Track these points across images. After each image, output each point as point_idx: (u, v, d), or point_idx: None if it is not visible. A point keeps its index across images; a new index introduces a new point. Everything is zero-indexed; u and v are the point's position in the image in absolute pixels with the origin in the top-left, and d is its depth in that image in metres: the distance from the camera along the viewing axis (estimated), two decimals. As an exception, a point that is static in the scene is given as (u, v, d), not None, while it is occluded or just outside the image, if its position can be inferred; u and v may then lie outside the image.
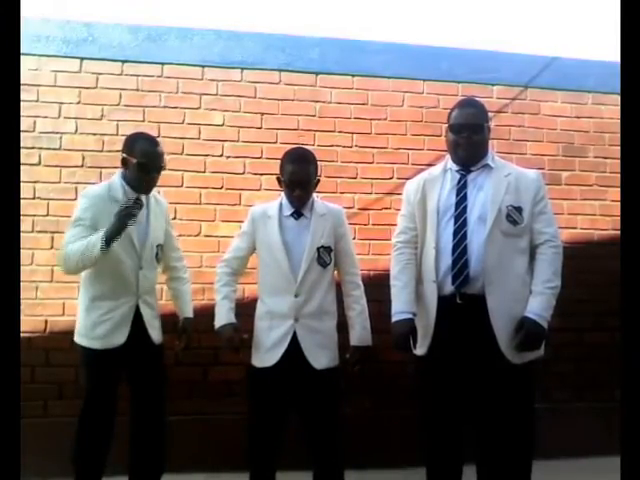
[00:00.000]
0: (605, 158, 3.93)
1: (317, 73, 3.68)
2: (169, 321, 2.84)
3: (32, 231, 3.32)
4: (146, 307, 2.55)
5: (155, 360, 2.59)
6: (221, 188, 3.53)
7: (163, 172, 3.41)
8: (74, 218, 2.47)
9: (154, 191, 2.67)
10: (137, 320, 2.51)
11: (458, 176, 2.31)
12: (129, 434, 2.56)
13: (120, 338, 2.47)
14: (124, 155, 2.53)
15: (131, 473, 2.57)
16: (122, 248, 2.48)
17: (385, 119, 3.73)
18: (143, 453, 2.55)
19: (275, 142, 3.58)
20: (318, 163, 2.50)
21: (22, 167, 3.21)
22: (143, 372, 2.55)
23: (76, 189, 3.35)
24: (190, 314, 2.79)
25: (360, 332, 2.42)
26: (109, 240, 2.30)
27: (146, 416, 2.54)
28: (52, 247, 3.32)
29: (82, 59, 3.47)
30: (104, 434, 2.47)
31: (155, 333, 2.59)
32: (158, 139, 2.69)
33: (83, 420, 2.47)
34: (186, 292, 2.82)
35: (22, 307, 3.16)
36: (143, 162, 2.49)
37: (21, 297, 3.04)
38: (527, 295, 2.20)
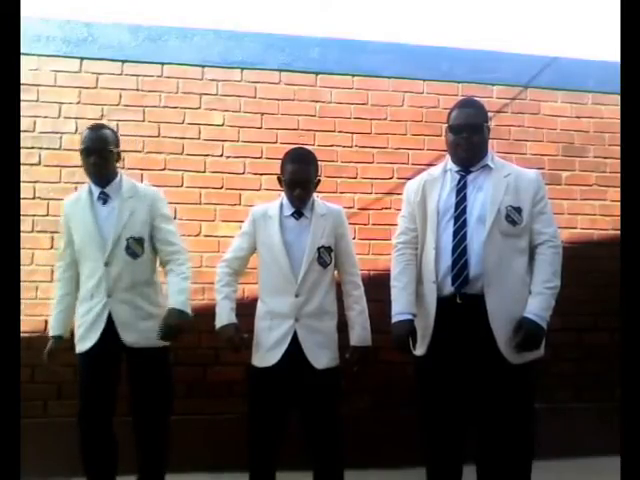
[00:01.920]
0: (605, 158, 3.93)
1: (317, 73, 3.68)
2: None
3: (32, 231, 3.33)
4: (122, 305, 2.46)
5: (136, 364, 2.49)
6: (221, 188, 3.53)
7: (163, 172, 3.41)
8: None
9: (140, 182, 2.69)
10: (110, 320, 2.47)
11: (458, 177, 2.31)
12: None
13: (90, 341, 2.46)
14: None
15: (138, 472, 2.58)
16: (85, 244, 2.50)
17: (385, 119, 3.73)
18: (139, 454, 2.54)
19: (275, 142, 3.58)
20: (319, 163, 2.50)
21: (22, 167, 3.21)
22: (131, 375, 2.52)
23: (76, 189, 3.32)
24: (175, 304, 2.45)
25: (360, 332, 2.42)
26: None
27: (137, 419, 2.53)
28: (52, 247, 3.32)
29: (82, 59, 3.47)
30: (97, 436, 2.45)
31: (130, 335, 2.46)
32: (107, 126, 2.69)
33: (77, 425, 2.48)
34: (173, 283, 2.51)
35: (22, 307, 3.16)
36: (82, 146, 2.53)
37: (21, 297, 3.04)
38: (527, 295, 2.20)
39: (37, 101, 3.40)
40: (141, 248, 2.53)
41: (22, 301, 3.15)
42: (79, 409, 2.49)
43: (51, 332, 2.59)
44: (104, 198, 2.55)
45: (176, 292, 2.49)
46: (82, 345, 2.48)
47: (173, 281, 2.52)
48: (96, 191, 2.56)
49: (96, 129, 2.59)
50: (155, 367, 2.52)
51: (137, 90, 3.50)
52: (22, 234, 3.15)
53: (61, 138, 3.41)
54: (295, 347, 2.32)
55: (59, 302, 2.59)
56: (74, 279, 2.58)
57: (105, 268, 2.47)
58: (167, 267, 2.59)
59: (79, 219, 2.54)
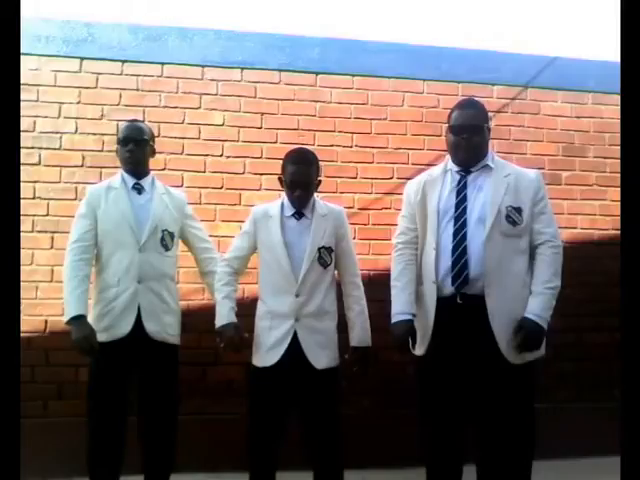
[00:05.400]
0: (605, 158, 3.93)
1: (317, 73, 3.68)
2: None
3: (32, 231, 3.32)
4: (150, 294, 2.49)
5: (154, 356, 2.49)
6: (221, 188, 3.53)
7: (163, 172, 3.41)
8: (77, 213, 2.57)
9: (166, 186, 2.71)
10: (139, 309, 2.47)
11: (458, 177, 2.31)
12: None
13: (122, 329, 2.44)
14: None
15: (144, 472, 2.56)
16: (120, 229, 2.50)
17: (385, 119, 3.73)
18: (147, 453, 2.53)
19: (275, 142, 3.58)
20: (320, 164, 2.49)
21: (22, 167, 3.21)
22: (145, 369, 2.51)
23: (76, 189, 3.35)
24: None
25: (359, 333, 2.42)
26: (69, 321, 2.41)
27: (147, 417, 2.52)
28: (52, 247, 3.32)
29: (82, 59, 3.47)
30: (113, 435, 2.43)
31: (153, 325, 2.48)
32: (145, 124, 2.81)
33: (92, 420, 2.45)
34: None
35: (22, 307, 3.16)
36: (120, 136, 2.62)
37: (21, 297, 3.04)
38: (527, 295, 2.20)
39: (37, 101, 3.40)
40: (172, 242, 2.61)
41: (22, 301, 3.15)
42: (96, 405, 2.44)
43: (73, 313, 2.40)
44: (138, 188, 2.60)
45: None
46: (111, 333, 2.45)
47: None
48: (130, 181, 2.60)
49: (133, 121, 2.75)
50: (169, 363, 2.54)
51: (137, 90, 3.50)
52: (22, 234, 3.15)
53: (61, 138, 3.41)
54: (295, 347, 2.31)
55: (81, 282, 2.44)
56: (90, 262, 2.54)
57: (139, 255, 2.49)
58: (202, 267, 2.73)
59: (112, 205, 2.53)
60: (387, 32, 4.05)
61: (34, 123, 3.39)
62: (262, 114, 3.60)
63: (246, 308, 2.54)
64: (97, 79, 3.48)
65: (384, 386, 3.43)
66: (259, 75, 3.62)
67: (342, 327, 2.46)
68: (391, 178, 3.69)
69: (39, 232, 3.34)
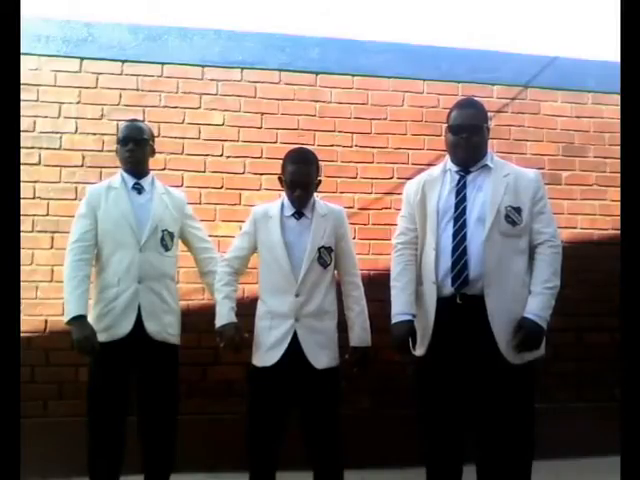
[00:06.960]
0: (605, 158, 3.93)
1: (317, 73, 3.68)
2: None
3: (32, 231, 3.33)
4: (151, 294, 2.49)
5: (155, 356, 2.48)
6: (221, 188, 3.53)
7: (163, 172, 3.41)
8: (77, 213, 2.57)
9: (166, 186, 2.71)
10: (139, 309, 2.47)
11: (457, 177, 2.31)
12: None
13: (123, 329, 2.44)
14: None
15: (144, 471, 2.56)
16: (120, 229, 2.50)
17: (385, 119, 3.73)
18: (147, 452, 2.53)
19: (275, 142, 3.58)
20: (320, 163, 2.49)
21: (22, 167, 3.21)
22: (145, 369, 2.51)
23: (76, 189, 3.36)
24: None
25: (359, 333, 2.42)
26: (70, 321, 2.41)
27: (147, 417, 2.52)
28: (52, 247, 3.32)
29: (82, 59, 3.47)
30: (113, 435, 2.43)
31: (153, 325, 2.48)
32: (145, 123, 2.81)
33: (92, 421, 2.45)
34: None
35: (22, 307, 3.16)
36: (120, 136, 2.62)
37: (21, 297, 3.04)
38: (526, 295, 2.20)
39: (37, 101, 3.40)
40: (172, 242, 2.61)
41: (22, 301, 3.15)
42: (96, 405, 2.44)
43: (74, 313, 2.40)
44: (138, 188, 2.60)
45: None
46: (111, 333, 2.44)
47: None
48: (130, 181, 2.60)
49: (133, 121, 2.76)
50: (169, 363, 2.54)
51: (137, 90, 3.51)
52: (22, 234, 3.15)
53: (61, 138, 3.41)
54: (295, 347, 2.32)
55: (81, 282, 2.44)
56: (91, 262, 2.53)
57: (139, 254, 2.49)
58: (202, 267, 2.73)
59: (112, 205, 2.53)
60: (387, 32, 4.05)
61: (34, 123, 3.39)
62: (262, 114, 3.60)
63: (246, 308, 2.54)
64: (97, 79, 3.48)
65: (384, 386, 3.43)
66: (259, 75, 3.62)
67: (342, 327, 2.46)
68: (391, 178, 3.69)
69: (39, 232, 3.34)
